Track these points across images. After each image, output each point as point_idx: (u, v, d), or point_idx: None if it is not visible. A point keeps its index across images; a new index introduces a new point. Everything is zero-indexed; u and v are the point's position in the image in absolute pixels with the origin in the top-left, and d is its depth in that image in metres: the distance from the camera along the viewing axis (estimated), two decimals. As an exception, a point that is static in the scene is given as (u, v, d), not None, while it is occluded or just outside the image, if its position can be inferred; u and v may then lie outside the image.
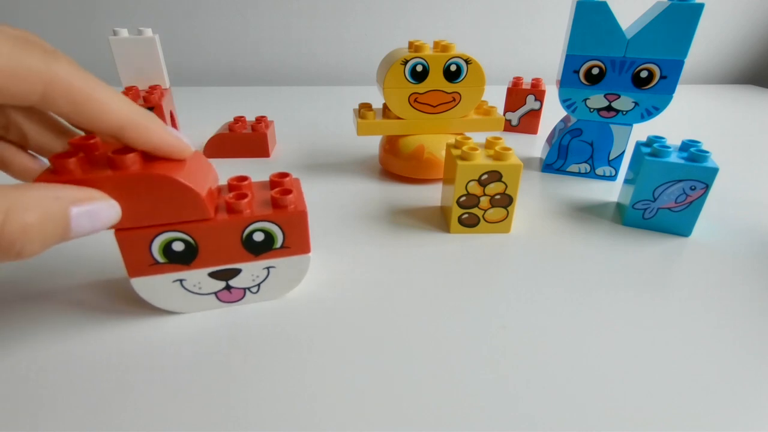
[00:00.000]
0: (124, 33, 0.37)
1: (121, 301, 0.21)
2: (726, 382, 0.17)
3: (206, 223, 0.18)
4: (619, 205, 0.31)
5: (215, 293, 0.20)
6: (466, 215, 0.27)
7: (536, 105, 0.46)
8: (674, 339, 0.20)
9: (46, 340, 0.19)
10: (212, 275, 0.20)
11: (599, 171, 0.36)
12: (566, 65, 0.32)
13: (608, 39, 0.31)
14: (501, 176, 0.25)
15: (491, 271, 0.24)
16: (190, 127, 0.46)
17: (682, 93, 0.41)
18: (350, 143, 0.43)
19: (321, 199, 0.31)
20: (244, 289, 0.21)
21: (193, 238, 0.18)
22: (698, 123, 0.53)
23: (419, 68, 0.31)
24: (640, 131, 0.42)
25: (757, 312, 0.21)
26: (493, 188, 0.26)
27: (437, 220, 0.29)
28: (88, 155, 0.16)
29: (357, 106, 0.35)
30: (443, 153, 0.33)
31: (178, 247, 0.18)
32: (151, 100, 0.36)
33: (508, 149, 0.26)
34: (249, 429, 0.15)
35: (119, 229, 0.17)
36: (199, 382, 0.17)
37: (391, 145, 0.34)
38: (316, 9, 0.65)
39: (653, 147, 0.26)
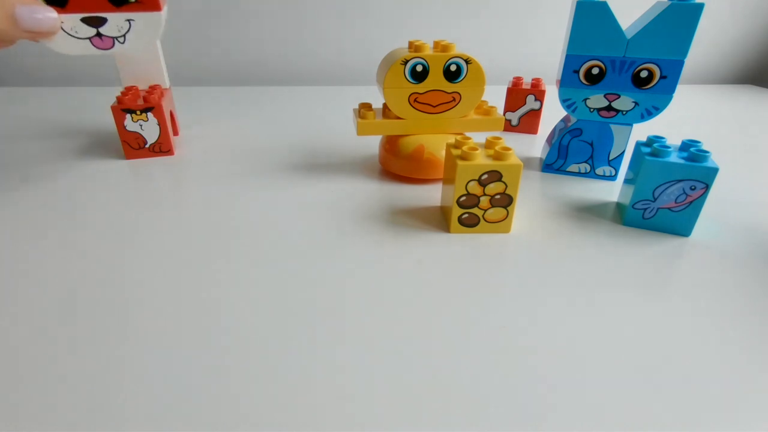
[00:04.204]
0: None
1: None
2: (726, 382, 0.18)
3: None
4: (619, 205, 0.31)
5: (89, 39, 0.27)
6: (466, 215, 0.27)
7: (536, 105, 0.46)
8: (674, 339, 0.20)
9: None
10: (84, 21, 0.26)
11: (599, 171, 0.36)
12: (566, 65, 0.32)
13: (608, 39, 0.31)
14: (501, 176, 0.25)
15: (491, 271, 0.24)
16: (190, 127, 0.46)
17: (682, 93, 0.41)
18: (350, 143, 0.43)
19: (321, 199, 0.31)
20: (113, 38, 0.28)
21: None
22: (698, 123, 0.53)
23: (419, 68, 0.31)
24: (640, 131, 0.42)
25: (758, 312, 0.21)
26: (493, 188, 0.26)
27: (437, 220, 0.29)
28: None
29: (357, 106, 0.35)
30: (443, 153, 0.33)
31: None
32: (151, 100, 0.36)
33: (508, 149, 0.26)
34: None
35: None
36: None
37: (391, 145, 0.34)
38: (317, 9, 0.65)
39: (653, 147, 0.26)
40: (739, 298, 0.22)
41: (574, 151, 0.36)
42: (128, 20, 0.27)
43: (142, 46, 0.28)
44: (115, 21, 0.27)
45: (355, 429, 0.15)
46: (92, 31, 0.26)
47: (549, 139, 0.38)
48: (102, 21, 0.26)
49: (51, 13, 0.24)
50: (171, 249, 0.25)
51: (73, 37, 0.26)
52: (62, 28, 0.25)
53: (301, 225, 0.28)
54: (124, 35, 0.27)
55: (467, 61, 0.31)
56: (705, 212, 0.29)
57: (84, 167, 0.36)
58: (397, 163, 0.34)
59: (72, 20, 0.26)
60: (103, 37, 0.27)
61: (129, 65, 0.38)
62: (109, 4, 0.26)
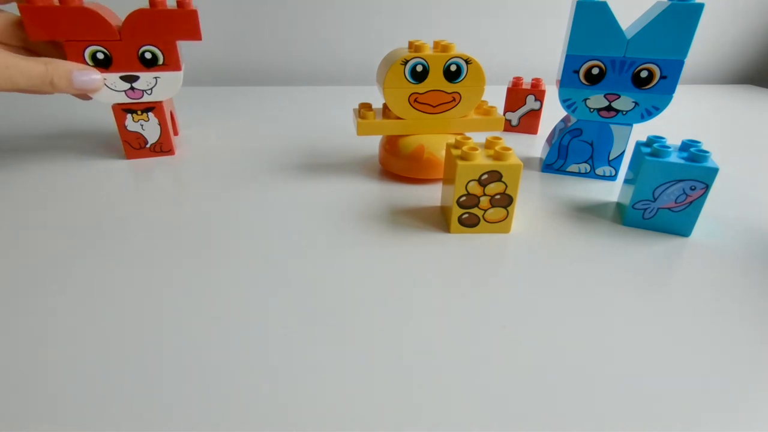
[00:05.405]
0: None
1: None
2: (726, 382, 0.18)
3: (115, 42, 0.31)
4: (619, 205, 0.31)
5: (125, 91, 0.33)
6: (466, 215, 0.27)
7: (536, 105, 0.46)
8: (674, 339, 0.20)
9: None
10: (122, 78, 0.33)
11: (599, 171, 0.36)
12: (566, 65, 0.32)
13: (608, 39, 0.31)
14: (501, 176, 0.26)
15: (491, 271, 0.24)
16: (191, 127, 0.46)
17: (682, 93, 0.41)
18: (350, 143, 0.43)
19: (321, 199, 0.31)
20: (143, 90, 0.34)
21: (108, 51, 0.31)
22: (698, 123, 0.53)
23: (419, 68, 0.31)
24: (640, 131, 0.42)
25: (758, 312, 0.21)
26: (493, 188, 0.26)
27: (437, 220, 0.29)
28: None
29: (357, 106, 0.35)
30: (443, 153, 0.33)
31: (100, 56, 0.32)
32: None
33: (508, 149, 0.26)
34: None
35: (66, 41, 0.30)
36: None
37: (391, 145, 0.34)
38: (317, 9, 0.65)
39: (653, 147, 0.26)
40: (739, 297, 0.22)
41: (574, 151, 0.36)
42: (155, 77, 0.33)
43: (165, 96, 0.34)
44: (146, 78, 0.33)
45: (355, 429, 0.15)
46: (127, 86, 0.33)
47: (549, 139, 0.38)
48: (135, 78, 0.33)
49: (98, 76, 0.31)
50: (171, 248, 0.25)
51: (113, 90, 0.33)
52: (105, 84, 0.32)
53: (300, 225, 0.28)
54: (151, 89, 0.33)
55: (467, 61, 0.31)
56: (705, 212, 0.29)
57: (84, 167, 0.36)
58: (397, 163, 0.34)
59: (112, 77, 0.32)
60: (135, 90, 0.33)
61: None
62: (141, 66, 0.32)
